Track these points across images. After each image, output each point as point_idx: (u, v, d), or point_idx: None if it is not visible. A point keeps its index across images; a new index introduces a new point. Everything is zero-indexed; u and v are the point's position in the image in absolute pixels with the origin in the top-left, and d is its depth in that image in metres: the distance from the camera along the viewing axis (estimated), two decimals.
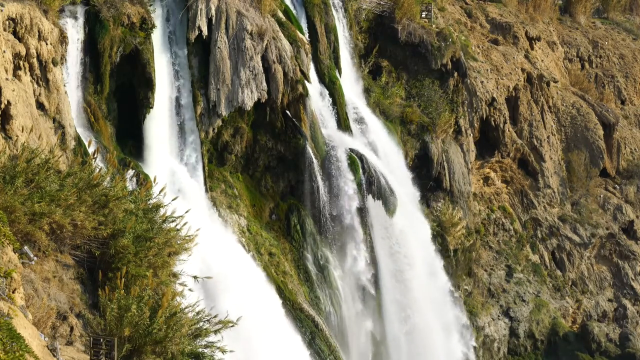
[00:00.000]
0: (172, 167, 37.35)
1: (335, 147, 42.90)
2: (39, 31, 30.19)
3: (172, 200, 24.00)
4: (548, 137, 58.90)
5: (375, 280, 43.98)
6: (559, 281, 56.49)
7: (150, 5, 37.40)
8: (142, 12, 36.38)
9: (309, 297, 40.58)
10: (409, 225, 45.81)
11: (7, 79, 27.75)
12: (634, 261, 59.21)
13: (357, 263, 43.11)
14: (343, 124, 45.00)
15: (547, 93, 59.99)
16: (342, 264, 42.78)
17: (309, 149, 41.34)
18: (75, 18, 34.70)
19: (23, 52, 29.39)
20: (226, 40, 39.01)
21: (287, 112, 41.21)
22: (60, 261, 20.49)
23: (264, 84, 39.51)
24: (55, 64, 31.18)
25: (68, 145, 31.18)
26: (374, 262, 43.80)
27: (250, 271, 37.53)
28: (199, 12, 38.20)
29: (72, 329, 18.99)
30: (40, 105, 30.44)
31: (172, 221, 22.76)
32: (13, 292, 16.13)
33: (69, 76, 33.82)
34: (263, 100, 39.77)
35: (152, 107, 36.56)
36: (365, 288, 43.55)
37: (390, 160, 46.81)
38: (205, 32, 38.46)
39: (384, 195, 43.72)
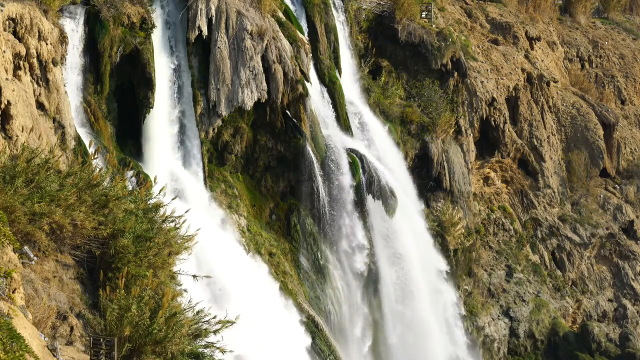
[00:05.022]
0: (172, 167, 37.36)
1: (335, 147, 42.90)
2: (39, 31, 30.19)
3: (172, 199, 24.01)
4: (548, 137, 58.91)
5: (375, 280, 43.99)
6: (559, 281, 56.49)
7: (150, 5, 37.41)
8: (142, 12, 36.39)
9: (309, 297, 40.58)
10: (408, 225, 45.81)
11: (7, 79, 27.75)
12: (634, 261, 59.20)
13: (357, 263, 43.11)
14: (343, 124, 45.00)
15: (547, 93, 59.99)
16: (342, 264, 42.77)
17: (309, 149, 41.34)
18: (75, 18, 34.71)
19: (23, 52, 29.40)
20: (226, 40, 39.02)
21: (287, 112, 41.22)
22: (60, 261, 20.49)
23: (264, 84, 39.52)
24: (55, 64, 31.18)
25: (68, 145, 31.20)
26: (373, 262, 43.80)
27: (250, 271, 37.54)
28: (199, 12, 38.21)
29: (72, 329, 18.99)
30: (40, 105, 30.45)
31: (172, 221, 22.75)
32: (13, 292, 16.13)
33: (69, 76, 33.82)
34: (263, 100, 39.77)
35: (152, 107, 36.57)
36: (365, 288, 43.54)
37: (390, 160, 46.81)
38: (205, 32, 38.47)
39: (384, 195, 43.72)
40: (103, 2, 35.17)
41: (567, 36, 67.46)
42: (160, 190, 23.47)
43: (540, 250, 56.91)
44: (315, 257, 41.78)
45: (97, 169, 22.44)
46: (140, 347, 18.82)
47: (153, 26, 36.97)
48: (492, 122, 55.40)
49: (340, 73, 46.31)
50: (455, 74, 52.11)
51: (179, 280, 22.80)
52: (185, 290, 22.64)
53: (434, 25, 53.20)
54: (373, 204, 43.38)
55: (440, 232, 49.35)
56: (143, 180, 32.96)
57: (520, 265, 55.25)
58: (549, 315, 54.40)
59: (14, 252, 17.39)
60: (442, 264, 48.10)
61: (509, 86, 56.62)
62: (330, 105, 44.87)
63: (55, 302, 19.13)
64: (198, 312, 20.42)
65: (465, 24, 59.84)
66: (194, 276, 22.79)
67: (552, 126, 59.79)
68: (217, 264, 33.24)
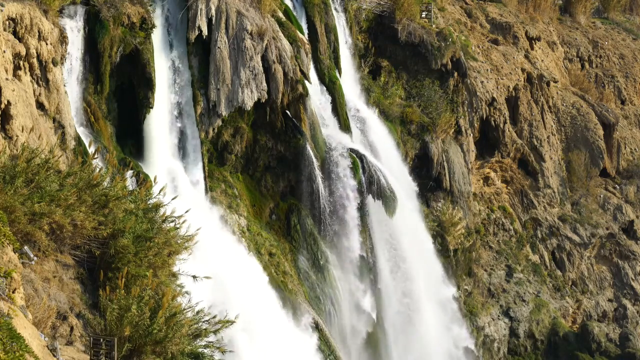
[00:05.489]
0: (172, 167, 37.36)
1: (335, 147, 42.91)
2: (39, 31, 30.19)
3: (172, 199, 24.01)
4: (548, 137, 58.91)
5: (375, 280, 43.98)
6: (559, 281, 56.50)
7: (150, 5, 37.41)
8: (142, 12, 36.39)
9: (309, 297, 40.58)
10: (408, 225, 45.80)
11: (7, 79, 27.76)
12: (634, 261, 59.20)
13: (357, 263, 43.10)
14: (343, 124, 45.00)
15: (547, 93, 59.99)
16: (342, 264, 42.77)
17: (309, 149, 41.34)
18: (75, 18, 34.71)
19: (23, 52, 29.40)
20: (226, 40, 39.02)
21: (287, 112, 41.22)
22: (60, 261, 20.49)
23: (264, 84, 39.52)
24: (55, 64, 31.19)
25: (68, 145, 31.20)
26: (373, 262, 43.80)
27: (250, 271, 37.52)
28: (199, 12, 38.21)
29: (72, 329, 18.99)
30: (40, 105, 30.45)
31: (172, 221, 22.75)
32: (13, 292, 16.13)
33: (69, 76, 33.82)
34: (263, 100, 39.77)
35: (152, 107, 36.57)
36: (364, 288, 43.52)
37: (390, 160, 46.81)
38: (205, 32, 38.46)
39: (384, 195, 43.71)
40: (103, 2, 35.17)
41: (567, 36, 67.46)
42: (160, 190, 23.47)
43: (540, 250, 56.92)
44: (315, 257, 41.78)
45: (97, 169, 22.44)
46: (140, 347, 18.83)
47: (153, 26, 36.97)
48: (492, 122, 55.41)
49: (340, 73, 46.31)
50: (455, 74, 52.11)
51: (181, 284, 22.79)
52: (188, 293, 22.61)
53: (434, 25, 53.20)
54: (373, 204, 43.38)
55: (440, 232, 49.35)
56: (143, 180, 32.96)
57: (520, 265, 55.25)
58: (549, 315, 54.40)
59: (14, 252, 17.39)
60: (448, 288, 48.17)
61: (509, 86, 56.62)
62: (330, 105, 44.87)
63: (55, 302, 19.14)
64: (198, 312, 20.43)
65: (465, 24, 59.85)
66: (194, 276, 22.79)
67: (552, 126, 59.80)
68: (216, 264, 33.19)
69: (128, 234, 20.75)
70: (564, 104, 61.84)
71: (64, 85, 32.37)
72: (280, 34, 40.98)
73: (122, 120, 36.68)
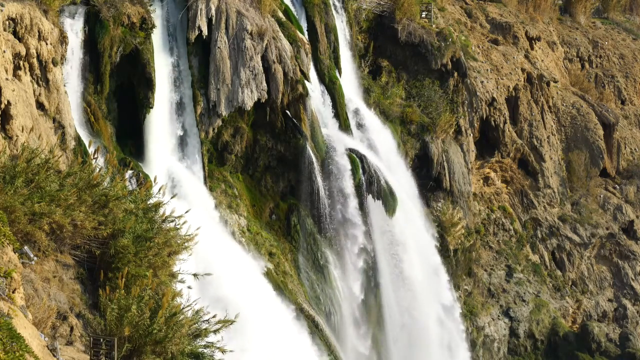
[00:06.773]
0: (172, 167, 37.37)
1: (335, 147, 42.92)
2: (39, 31, 30.20)
3: (171, 198, 24.01)
4: (548, 137, 58.91)
5: (375, 280, 43.99)
6: (559, 281, 56.50)
7: (150, 5, 37.42)
8: (142, 12, 36.40)
9: (309, 297, 40.59)
10: (408, 225, 45.81)
11: (7, 79, 27.76)
12: (634, 261, 59.21)
13: (356, 263, 43.10)
14: (343, 124, 45.00)
15: (547, 93, 60.00)
16: (342, 264, 42.77)
17: (309, 149, 41.34)
18: (75, 18, 34.73)
19: (23, 52, 29.40)
20: (226, 40, 39.03)
21: (287, 112, 41.23)
22: (60, 261, 20.49)
23: (264, 84, 39.53)
24: (55, 64, 31.19)
25: (68, 145, 31.20)
26: (373, 262, 43.80)
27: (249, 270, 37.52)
28: (199, 12, 38.22)
29: (72, 329, 18.99)
30: (40, 105, 30.46)
31: (172, 221, 22.74)
32: (13, 292, 16.12)
33: (69, 76, 33.83)
34: (263, 100, 39.78)
35: (152, 107, 36.58)
36: (364, 288, 43.54)
37: (390, 160, 46.82)
38: (205, 32, 38.48)
39: (384, 195, 43.72)
40: (103, 2, 35.18)
41: (567, 36, 67.47)
42: (160, 190, 23.46)
43: (540, 250, 56.92)
44: (315, 257, 41.78)
45: (97, 169, 22.43)
46: (140, 347, 18.82)
47: (153, 26, 36.98)
48: (492, 122, 55.41)
49: (340, 73, 46.31)
50: (455, 74, 52.11)
51: (182, 279, 22.76)
52: (190, 288, 22.59)
53: (434, 25, 53.20)
54: (373, 204, 43.37)
55: (440, 232, 49.35)
56: (143, 180, 32.97)
57: (520, 265, 55.25)
58: (549, 315, 54.40)
59: (14, 252, 17.39)
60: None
61: (509, 86, 56.63)
62: (330, 105, 44.88)
63: (55, 302, 19.14)
64: (197, 312, 20.42)
65: (465, 24, 59.85)
66: (195, 275, 22.80)
67: (552, 126, 59.80)
68: (216, 264, 33.19)
69: (128, 234, 20.75)
70: (564, 104, 61.85)
71: (64, 85, 32.37)
72: (280, 34, 40.99)
73: (122, 120, 36.70)
